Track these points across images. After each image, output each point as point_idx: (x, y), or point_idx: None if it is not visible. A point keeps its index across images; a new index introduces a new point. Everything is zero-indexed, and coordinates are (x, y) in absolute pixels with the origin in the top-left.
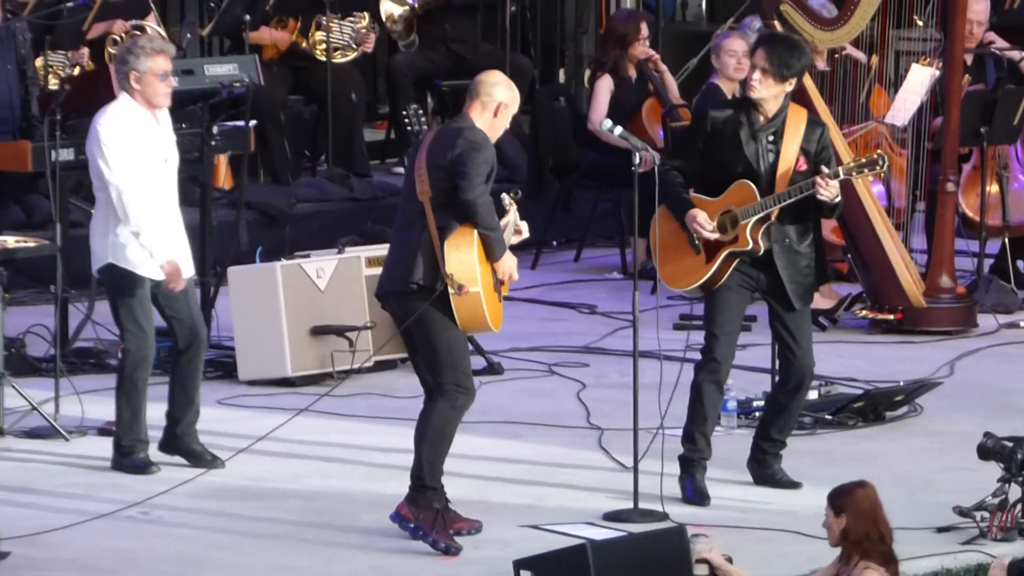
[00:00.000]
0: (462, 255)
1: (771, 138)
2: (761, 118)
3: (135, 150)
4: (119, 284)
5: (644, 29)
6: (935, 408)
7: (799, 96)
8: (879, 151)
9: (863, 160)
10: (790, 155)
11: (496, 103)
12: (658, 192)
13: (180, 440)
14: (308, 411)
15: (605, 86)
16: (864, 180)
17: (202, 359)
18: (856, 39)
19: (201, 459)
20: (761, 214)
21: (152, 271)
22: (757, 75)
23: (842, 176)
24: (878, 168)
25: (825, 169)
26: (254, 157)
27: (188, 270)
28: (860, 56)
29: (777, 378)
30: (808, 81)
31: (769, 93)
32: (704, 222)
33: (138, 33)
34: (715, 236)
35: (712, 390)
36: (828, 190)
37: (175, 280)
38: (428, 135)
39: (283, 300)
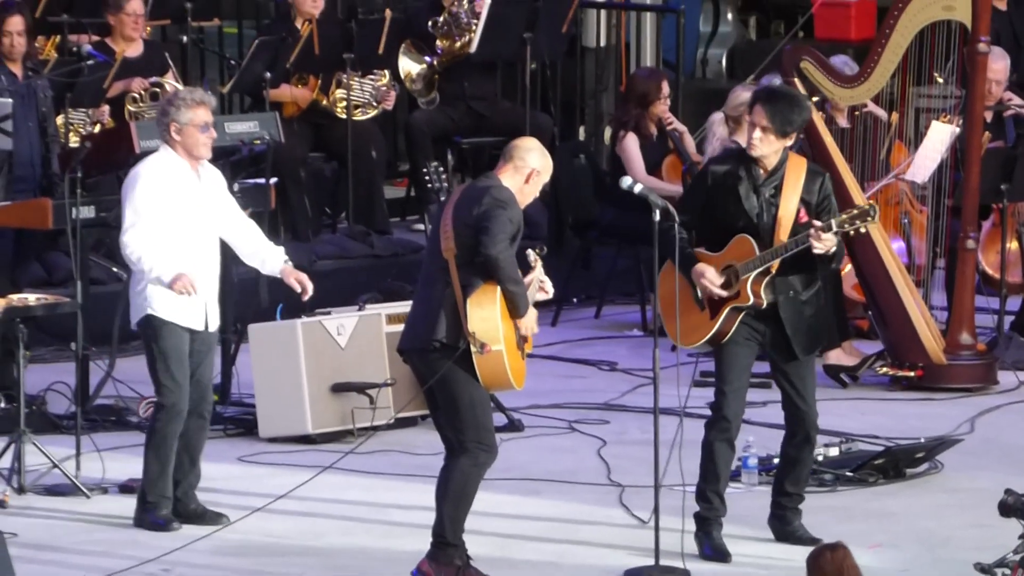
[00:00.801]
0: (484, 312)
1: (771, 192)
2: (761, 172)
3: (170, 201)
4: (156, 335)
5: (665, 88)
6: (955, 465)
7: (819, 151)
8: (869, 202)
9: (855, 211)
10: (790, 208)
11: (529, 169)
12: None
13: (179, 502)
14: (325, 468)
15: (633, 144)
16: (884, 237)
17: (208, 423)
18: (876, 96)
19: (203, 519)
20: (761, 268)
21: (189, 320)
22: (758, 133)
23: (835, 229)
24: (869, 219)
25: (818, 222)
26: (275, 214)
27: (214, 323)
28: (881, 113)
29: (784, 432)
30: (828, 138)
31: (770, 150)
32: (712, 279)
33: (157, 91)
34: (722, 293)
35: (723, 448)
36: (822, 243)
37: (184, 285)
38: (455, 192)
39: (304, 357)
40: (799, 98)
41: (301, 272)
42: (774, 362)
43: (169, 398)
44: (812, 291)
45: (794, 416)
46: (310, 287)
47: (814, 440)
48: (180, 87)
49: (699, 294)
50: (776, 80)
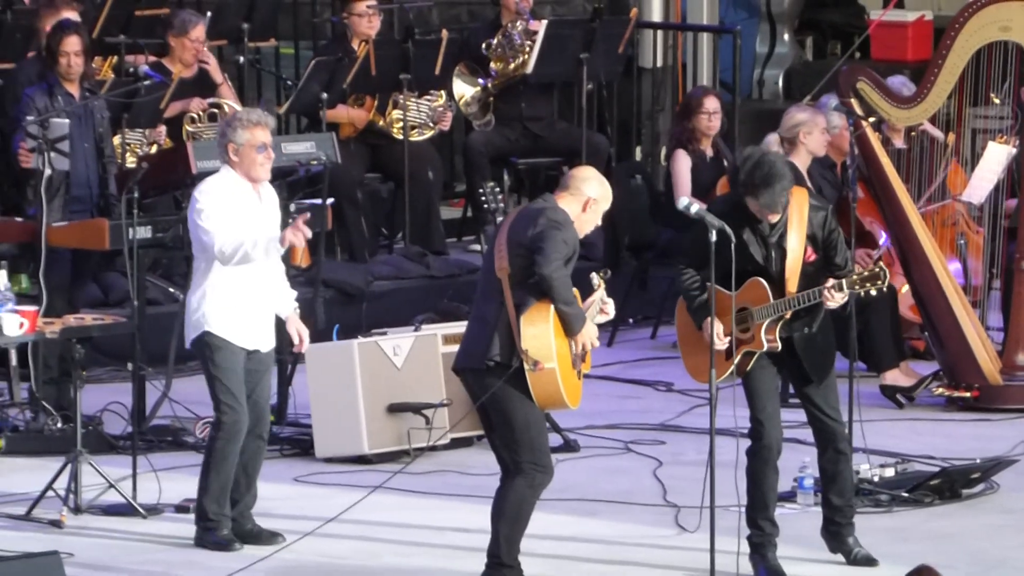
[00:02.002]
0: (537, 330)
1: (777, 237)
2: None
3: (231, 219)
4: (212, 354)
5: (707, 103)
6: (1011, 485)
7: (875, 172)
8: (880, 265)
9: (865, 274)
10: (797, 249)
11: (585, 198)
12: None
13: (235, 523)
14: (384, 488)
15: (683, 161)
16: (941, 258)
17: (265, 443)
18: (933, 116)
19: (259, 539)
20: (774, 316)
21: (244, 340)
22: (767, 214)
23: (846, 290)
24: (879, 283)
25: (832, 281)
26: (331, 235)
27: (270, 343)
28: (937, 134)
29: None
30: (885, 158)
31: (779, 215)
32: (719, 336)
33: (216, 111)
34: (726, 346)
35: (768, 474)
36: (835, 301)
37: (296, 229)
38: (511, 214)
39: (360, 378)
40: (778, 173)
41: (302, 325)
42: (795, 387)
43: (229, 416)
44: (819, 320)
45: (822, 431)
46: (307, 343)
47: (846, 451)
48: (238, 107)
49: None
50: (833, 101)
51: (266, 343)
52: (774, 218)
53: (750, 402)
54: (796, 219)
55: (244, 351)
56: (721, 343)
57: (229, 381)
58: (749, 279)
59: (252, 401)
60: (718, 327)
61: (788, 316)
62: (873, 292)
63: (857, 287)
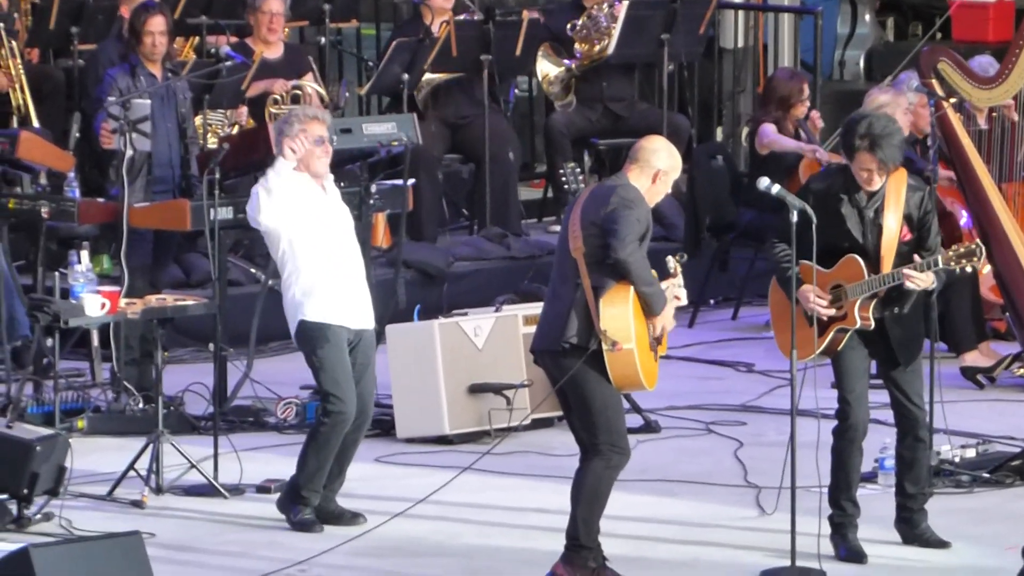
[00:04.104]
0: (616, 311)
1: (874, 213)
2: (863, 192)
3: (296, 207)
4: (312, 342)
5: (806, 90)
6: None
7: (956, 153)
8: (977, 242)
9: (961, 250)
10: (893, 227)
11: (655, 170)
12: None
13: (319, 504)
14: (464, 469)
15: (771, 128)
16: (1022, 237)
17: (363, 434)
18: (1016, 97)
19: (341, 519)
20: (868, 293)
21: (343, 319)
22: (875, 177)
23: (941, 266)
24: (975, 260)
25: (918, 259)
26: (413, 216)
27: (371, 321)
28: (1013, 115)
29: (896, 434)
30: (966, 139)
31: (884, 179)
32: (817, 300)
33: (298, 92)
34: (830, 314)
35: (853, 455)
36: (914, 282)
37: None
38: (583, 192)
39: (441, 358)
40: (894, 129)
41: None
42: (881, 369)
43: (336, 406)
44: (910, 301)
45: (903, 417)
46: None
47: (926, 439)
48: (321, 89)
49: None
50: (914, 81)
51: (365, 321)
52: (877, 183)
53: (839, 382)
54: (893, 198)
55: (344, 331)
56: (821, 307)
57: (334, 371)
58: (845, 256)
59: (357, 393)
60: (813, 293)
61: (882, 294)
62: (968, 269)
63: (953, 263)
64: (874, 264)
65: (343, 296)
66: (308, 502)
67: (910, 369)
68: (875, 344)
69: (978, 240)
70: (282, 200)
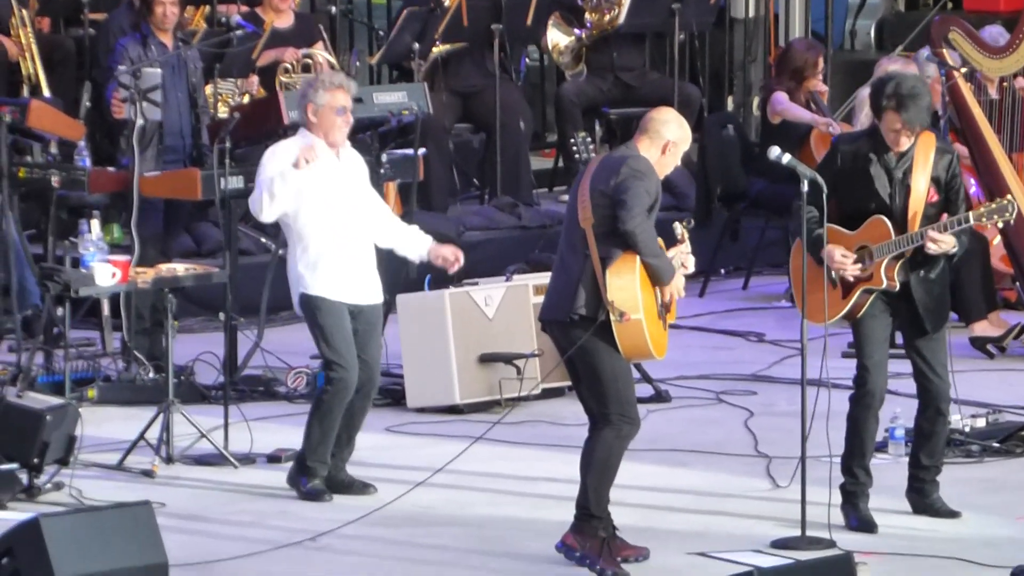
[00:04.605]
0: (623, 281)
1: (902, 174)
2: (892, 153)
3: (309, 178)
4: (313, 313)
5: (820, 63)
6: None
7: (967, 122)
8: (1009, 198)
9: (993, 206)
10: (921, 188)
11: (664, 141)
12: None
13: (329, 473)
14: (476, 439)
15: (784, 96)
16: None
17: (371, 402)
18: None
19: (351, 489)
20: (895, 252)
21: (344, 294)
22: (903, 138)
23: (972, 222)
24: (1008, 215)
25: (947, 217)
26: (423, 185)
27: (377, 297)
28: (1021, 84)
29: (917, 405)
30: (977, 109)
31: (912, 141)
32: (842, 260)
33: (309, 61)
34: (856, 274)
35: (869, 422)
36: (937, 243)
37: (308, 153)
38: (593, 162)
39: (451, 328)
40: (921, 90)
41: (446, 245)
42: (906, 336)
43: (337, 373)
44: (939, 268)
45: (926, 389)
46: (461, 256)
47: (946, 412)
48: (331, 59)
49: (832, 272)
50: (925, 51)
51: (368, 297)
52: (905, 143)
53: (858, 348)
54: (922, 160)
55: (345, 306)
56: (846, 267)
57: (333, 339)
58: (872, 217)
59: (362, 360)
60: (839, 251)
61: (908, 255)
62: (1000, 224)
63: (984, 219)
64: (901, 226)
65: (347, 272)
66: (315, 472)
67: (935, 338)
68: (901, 311)
69: (1009, 196)
70: (282, 202)
